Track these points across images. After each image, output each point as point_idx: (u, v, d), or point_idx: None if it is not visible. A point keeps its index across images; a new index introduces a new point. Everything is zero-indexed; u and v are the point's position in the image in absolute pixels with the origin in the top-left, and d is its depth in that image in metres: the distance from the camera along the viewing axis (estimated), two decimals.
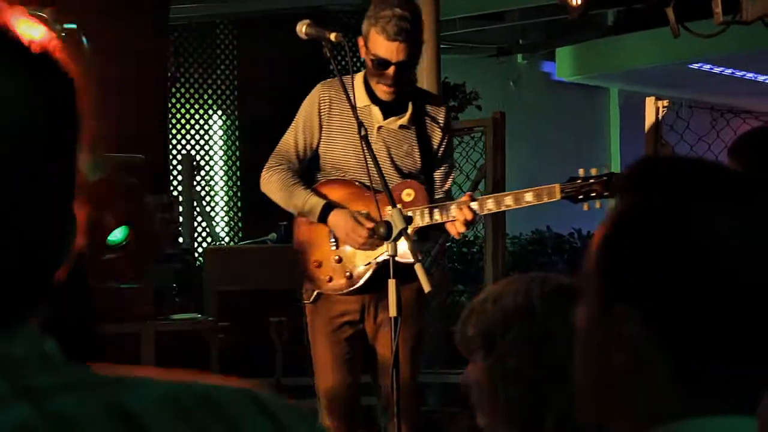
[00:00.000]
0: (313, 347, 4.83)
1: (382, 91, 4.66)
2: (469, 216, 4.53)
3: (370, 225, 4.57)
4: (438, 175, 4.91)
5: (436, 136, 4.85)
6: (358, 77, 4.78)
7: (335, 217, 4.69)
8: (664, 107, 6.67)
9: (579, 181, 4.48)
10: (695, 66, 13.82)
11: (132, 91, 7.72)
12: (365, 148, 4.33)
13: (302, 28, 4.53)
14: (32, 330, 0.93)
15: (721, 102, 7.60)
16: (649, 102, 6.73)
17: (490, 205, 4.58)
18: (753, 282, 1.26)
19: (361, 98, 4.75)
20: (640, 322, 1.27)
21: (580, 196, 4.46)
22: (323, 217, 4.72)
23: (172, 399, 0.94)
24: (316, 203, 4.73)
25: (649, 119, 6.71)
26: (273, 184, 4.94)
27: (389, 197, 4.25)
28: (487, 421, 2.35)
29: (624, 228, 1.33)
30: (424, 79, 8.31)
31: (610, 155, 15.31)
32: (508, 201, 4.57)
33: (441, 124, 4.86)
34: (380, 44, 4.61)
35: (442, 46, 8.62)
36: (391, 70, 4.58)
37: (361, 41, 4.69)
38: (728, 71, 14.25)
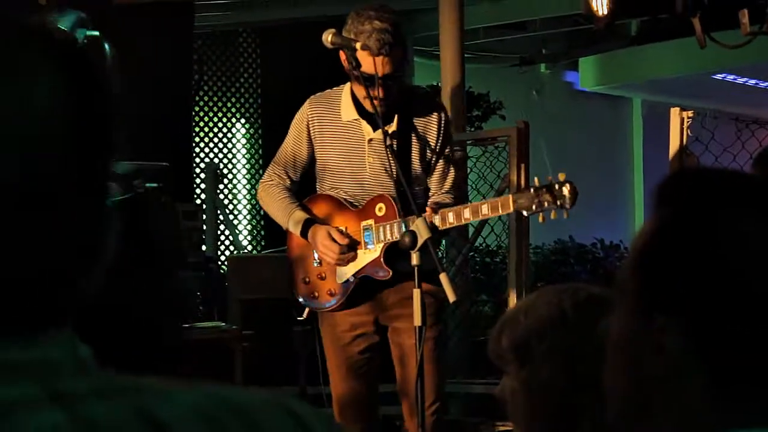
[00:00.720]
0: (327, 357, 4.84)
1: (370, 105, 4.61)
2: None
3: (345, 241, 4.58)
4: (434, 178, 4.85)
5: (430, 140, 4.80)
6: (345, 90, 4.77)
7: (313, 233, 4.70)
8: (688, 118, 6.65)
9: (530, 191, 4.43)
10: (719, 76, 13.78)
11: (157, 98, 7.75)
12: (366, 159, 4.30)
13: (328, 38, 4.52)
14: (67, 335, 0.93)
15: (746, 112, 7.57)
16: (674, 112, 6.71)
17: (451, 218, 4.50)
18: None
19: (349, 112, 4.75)
20: (679, 333, 1.26)
21: (534, 206, 4.40)
22: (304, 233, 4.73)
23: (204, 408, 0.93)
24: (300, 218, 4.75)
25: (674, 129, 6.69)
26: (264, 198, 4.99)
27: (409, 206, 4.25)
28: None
29: (658, 240, 1.32)
30: (449, 88, 8.32)
31: (633, 165, 15.29)
32: (467, 214, 4.52)
33: (434, 128, 4.80)
34: (364, 60, 4.56)
35: (465, 55, 8.62)
36: (378, 84, 4.57)
37: (342, 54, 4.63)
38: (752, 81, 14.21)
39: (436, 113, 4.85)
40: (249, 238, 11.41)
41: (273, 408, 0.98)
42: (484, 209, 4.48)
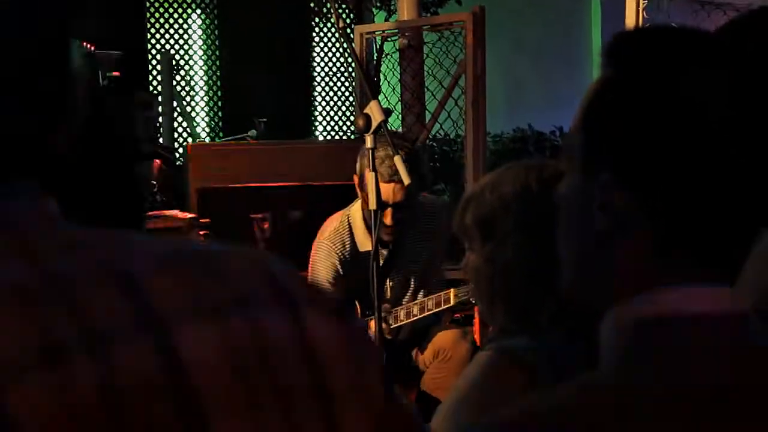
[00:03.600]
0: None
1: (385, 233, 4.72)
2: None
3: None
4: (430, 276, 5.14)
5: (432, 247, 5.06)
6: (357, 217, 4.86)
7: None
8: (644, 1, 6.63)
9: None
10: None
11: None
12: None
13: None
14: (33, 188, 0.93)
15: None
16: None
17: (402, 316, 4.86)
18: (736, 149, 1.25)
19: (365, 243, 4.84)
20: (624, 190, 1.27)
21: (473, 300, 4.57)
22: None
23: (173, 258, 0.94)
24: None
25: (630, 13, 6.67)
26: None
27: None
28: (486, 308, 2.36)
29: (602, 96, 1.32)
30: None
31: (592, 52, 15.24)
32: (415, 311, 4.85)
33: (434, 237, 5.04)
34: (371, 183, 4.58)
35: None
36: (388, 211, 4.57)
37: (356, 178, 4.72)
38: None
39: (434, 219, 5.04)
40: (207, 129, 11.37)
41: (244, 260, 0.98)
42: (429, 304, 4.80)
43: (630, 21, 6.67)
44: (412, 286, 5.10)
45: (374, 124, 4.05)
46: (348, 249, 4.91)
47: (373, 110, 4.06)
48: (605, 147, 1.29)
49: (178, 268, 0.93)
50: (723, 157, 1.25)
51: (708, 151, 1.25)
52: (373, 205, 4.06)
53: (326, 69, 12.37)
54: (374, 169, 4.09)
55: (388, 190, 4.60)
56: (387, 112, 4.12)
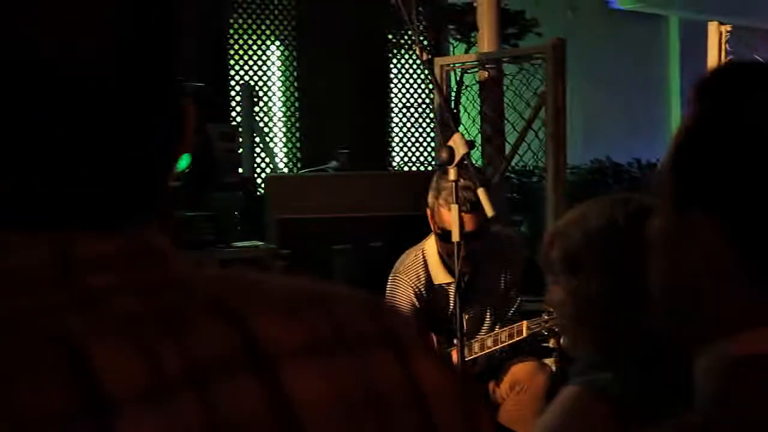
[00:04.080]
0: None
1: (453, 263, 4.70)
2: None
3: None
4: (506, 308, 5.14)
5: (506, 279, 5.08)
6: (432, 251, 4.92)
7: None
8: (727, 32, 6.59)
9: (542, 316, 4.69)
10: None
11: (190, 18, 7.73)
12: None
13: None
14: (154, 226, 0.93)
15: None
16: (712, 27, 6.65)
17: (476, 349, 4.93)
18: None
19: (439, 276, 4.88)
20: (716, 227, 1.26)
21: (545, 332, 4.71)
22: None
23: (282, 296, 0.93)
24: None
25: (712, 45, 6.63)
26: None
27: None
28: (570, 343, 2.35)
29: (693, 133, 1.32)
30: (485, 6, 8.27)
31: (670, 84, 15.16)
32: (489, 343, 4.89)
33: (510, 269, 5.08)
34: (445, 217, 4.65)
35: None
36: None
37: (428, 212, 4.78)
38: None
39: (514, 250, 5.12)
40: (285, 159, 11.43)
41: (352, 300, 0.97)
42: (503, 336, 4.84)
43: (712, 52, 6.62)
44: (488, 318, 5.09)
45: (458, 157, 4.05)
46: (423, 282, 4.92)
47: (456, 142, 4.06)
48: (696, 183, 1.29)
49: (287, 306, 0.93)
50: None
51: None
52: (456, 237, 4.06)
53: (403, 100, 12.40)
54: (457, 201, 4.09)
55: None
56: (470, 144, 4.11)
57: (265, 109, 11.34)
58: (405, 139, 12.39)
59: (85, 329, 0.82)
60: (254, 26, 11.44)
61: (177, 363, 0.84)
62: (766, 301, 1.25)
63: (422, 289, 4.92)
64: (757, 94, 1.28)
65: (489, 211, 4.06)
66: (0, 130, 0.84)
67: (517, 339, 4.74)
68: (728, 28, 6.57)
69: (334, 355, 0.91)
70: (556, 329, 4.49)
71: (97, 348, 0.82)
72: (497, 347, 4.84)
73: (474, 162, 4.30)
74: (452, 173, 4.10)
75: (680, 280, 1.31)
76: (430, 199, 4.76)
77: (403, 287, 4.94)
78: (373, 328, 0.95)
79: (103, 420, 0.79)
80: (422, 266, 4.93)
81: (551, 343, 4.55)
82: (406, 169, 12.19)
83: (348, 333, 0.93)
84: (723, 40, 6.58)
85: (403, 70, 12.34)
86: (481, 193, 4.04)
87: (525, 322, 4.70)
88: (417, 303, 4.91)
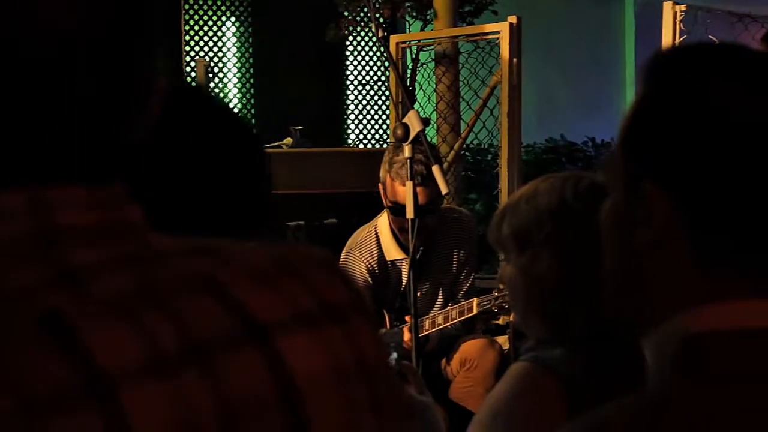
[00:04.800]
0: None
1: (405, 239, 4.73)
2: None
3: None
4: (459, 286, 5.17)
5: (460, 257, 5.11)
6: (384, 228, 4.93)
7: None
8: (681, 12, 6.61)
9: (493, 294, 4.71)
10: None
11: None
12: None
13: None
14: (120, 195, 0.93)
15: (739, 7, 7.51)
16: (667, 7, 6.66)
17: (427, 326, 4.93)
18: None
19: (392, 251, 4.88)
20: (667, 201, 1.27)
21: (495, 309, 4.68)
22: None
23: (265, 267, 0.93)
24: None
25: (667, 24, 6.65)
26: None
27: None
28: (521, 320, 2.37)
29: (642, 110, 1.33)
30: None
31: (625, 63, 15.20)
32: (440, 320, 4.91)
33: (464, 248, 5.12)
34: (397, 190, 4.66)
35: None
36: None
37: (381, 188, 4.79)
38: None
39: (468, 227, 5.16)
40: None
41: (325, 267, 0.99)
42: (453, 314, 4.86)
43: (667, 33, 6.65)
44: (440, 296, 5.10)
45: (413, 134, 4.05)
46: (376, 258, 4.93)
47: (411, 120, 4.07)
48: (648, 157, 1.30)
49: (267, 277, 0.93)
50: (765, 164, 1.25)
51: (749, 160, 1.24)
52: (410, 213, 4.07)
53: (359, 78, 12.38)
54: (412, 178, 4.10)
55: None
56: (425, 122, 4.12)
57: (220, 85, 11.28)
58: (360, 117, 12.37)
59: (73, 307, 0.82)
60: (209, 2, 11.37)
61: (173, 339, 0.83)
62: (718, 277, 1.26)
63: (375, 266, 4.93)
64: (707, 71, 1.30)
65: (443, 188, 4.08)
66: None
67: (468, 316, 4.76)
68: (683, 8, 6.60)
69: (320, 324, 0.92)
70: (507, 306, 4.51)
71: (87, 326, 0.81)
72: (447, 324, 4.86)
73: (429, 139, 4.31)
74: (407, 150, 4.11)
75: (631, 255, 1.32)
76: (382, 173, 4.77)
77: (355, 263, 4.94)
78: (347, 296, 0.97)
79: (106, 396, 0.79)
80: (375, 242, 4.93)
81: (501, 320, 4.56)
82: (361, 146, 12.17)
83: (328, 302, 0.94)
84: (677, 20, 6.60)
85: (359, 47, 12.31)
86: (435, 170, 4.05)
87: (475, 299, 4.73)
88: (370, 279, 4.92)
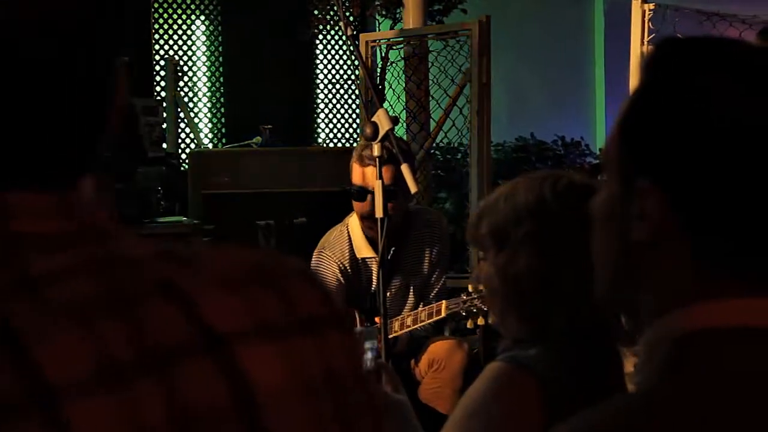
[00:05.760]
0: None
1: (367, 227, 4.78)
2: None
3: None
4: (430, 287, 5.15)
5: (431, 258, 5.09)
6: (355, 226, 4.94)
7: None
8: (650, 11, 6.64)
9: (461, 297, 4.65)
10: None
11: None
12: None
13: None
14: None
15: (707, 6, 7.54)
16: (635, 5, 6.70)
17: (396, 327, 4.90)
18: None
19: (363, 249, 4.91)
20: (662, 198, 1.26)
21: (464, 313, 4.60)
22: None
23: (231, 275, 0.93)
24: None
25: (635, 23, 6.68)
26: None
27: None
28: (498, 319, 2.36)
29: (638, 104, 1.32)
30: None
31: (595, 61, 15.23)
32: (409, 322, 4.89)
33: (435, 248, 5.08)
34: (356, 172, 4.72)
35: None
36: (368, 198, 4.62)
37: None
38: None
39: (437, 228, 5.12)
40: (209, 135, 11.35)
41: (300, 276, 0.97)
42: (422, 316, 4.83)
43: (635, 31, 6.67)
44: (411, 296, 5.09)
45: (382, 132, 4.05)
46: (347, 257, 4.92)
47: (380, 118, 4.06)
48: (644, 153, 1.29)
49: (234, 284, 0.92)
50: (761, 165, 1.24)
51: (746, 162, 1.23)
52: (379, 212, 4.06)
53: (329, 77, 12.36)
54: (380, 177, 4.08)
55: (365, 173, 4.71)
56: (394, 121, 4.11)
57: (189, 84, 11.24)
58: (330, 115, 12.36)
59: (27, 316, 0.81)
60: (179, 1, 11.34)
61: (130, 347, 0.83)
62: (711, 276, 1.25)
63: (347, 265, 4.92)
64: (706, 69, 1.29)
65: (413, 188, 4.06)
66: None
67: (436, 318, 4.75)
68: (651, 6, 6.63)
69: (288, 335, 0.91)
70: (475, 310, 4.50)
71: (38, 336, 0.80)
72: (416, 326, 4.85)
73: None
74: (376, 149, 4.10)
75: (625, 250, 1.31)
76: (351, 163, 4.79)
77: (327, 263, 4.93)
78: (322, 307, 0.95)
79: (48, 408, 0.78)
80: (347, 241, 4.92)
81: (469, 324, 4.54)
82: (331, 145, 12.16)
83: (301, 314, 0.93)
84: (646, 19, 6.62)
85: (329, 46, 12.29)
86: (404, 168, 4.04)
87: (444, 302, 4.72)
88: (342, 279, 4.91)
